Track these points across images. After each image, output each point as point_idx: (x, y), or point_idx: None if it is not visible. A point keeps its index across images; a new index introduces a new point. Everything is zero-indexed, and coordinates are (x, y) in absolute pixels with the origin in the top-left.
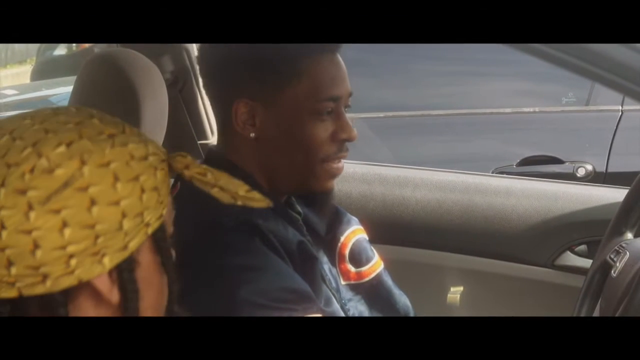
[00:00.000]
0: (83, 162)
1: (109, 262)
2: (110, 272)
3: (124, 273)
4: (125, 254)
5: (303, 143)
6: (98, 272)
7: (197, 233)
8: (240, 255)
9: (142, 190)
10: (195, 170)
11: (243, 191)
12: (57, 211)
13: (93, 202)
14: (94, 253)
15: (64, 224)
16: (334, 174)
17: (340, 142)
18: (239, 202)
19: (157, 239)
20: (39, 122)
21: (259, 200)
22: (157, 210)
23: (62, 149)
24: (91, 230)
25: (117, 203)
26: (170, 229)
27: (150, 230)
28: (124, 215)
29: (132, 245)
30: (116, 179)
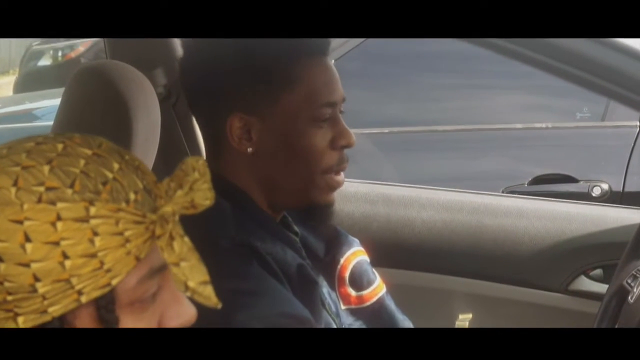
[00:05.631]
0: None
1: (23, 322)
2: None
3: None
4: (45, 318)
5: (303, 153)
6: None
7: None
8: (237, 279)
9: (65, 256)
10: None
11: (194, 283)
12: None
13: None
14: (6, 309)
15: None
16: (334, 186)
17: (340, 149)
18: (188, 293)
19: (100, 308)
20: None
21: (206, 298)
22: (95, 280)
23: None
24: (0, 286)
25: (26, 265)
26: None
27: (85, 299)
28: (36, 278)
29: (53, 310)
30: (27, 239)
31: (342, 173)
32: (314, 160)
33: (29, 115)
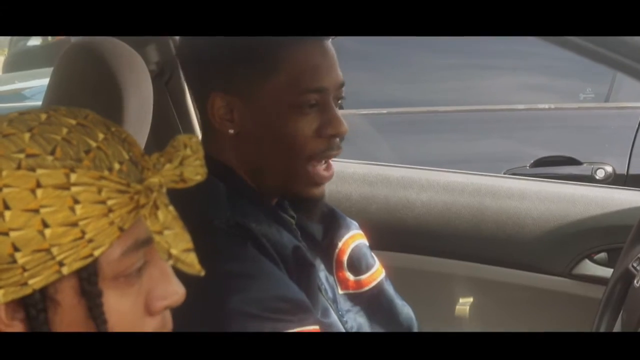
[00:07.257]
0: None
1: (3, 295)
2: (14, 308)
3: (30, 310)
4: (25, 291)
5: (285, 140)
6: None
7: None
8: (231, 261)
9: (45, 224)
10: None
11: (177, 250)
12: None
13: None
14: None
15: None
16: (319, 180)
17: (328, 138)
18: (171, 262)
19: (83, 280)
20: None
21: (190, 266)
22: (76, 250)
23: None
24: None
25: (5, 233)
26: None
27: (66, 270)
28: (15, 248)
29: (34, 282)
30: (6, 206)
31: (331, 167)
32: (297, 148)
33: (18, 95)
